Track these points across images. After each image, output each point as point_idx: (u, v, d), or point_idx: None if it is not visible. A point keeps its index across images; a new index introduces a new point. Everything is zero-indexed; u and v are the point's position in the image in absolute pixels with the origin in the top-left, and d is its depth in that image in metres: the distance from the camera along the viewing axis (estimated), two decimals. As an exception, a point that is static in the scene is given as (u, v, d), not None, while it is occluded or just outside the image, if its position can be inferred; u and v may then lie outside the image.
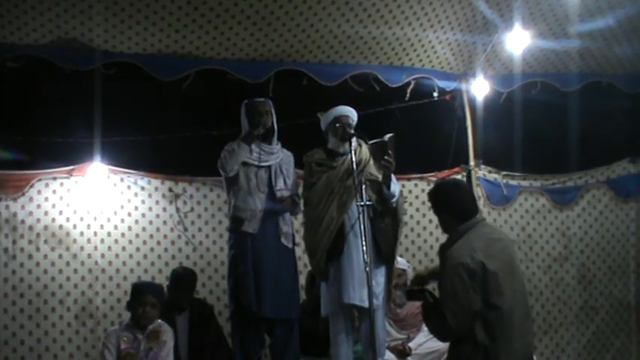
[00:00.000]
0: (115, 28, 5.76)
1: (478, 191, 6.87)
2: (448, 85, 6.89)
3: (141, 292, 5.09)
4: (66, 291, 6.15)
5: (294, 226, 5.60)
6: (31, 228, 6.15)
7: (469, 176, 6.92)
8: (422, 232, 6.88)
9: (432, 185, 6.62)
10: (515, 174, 7.20)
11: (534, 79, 7.02)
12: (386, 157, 5.02)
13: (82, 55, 5.89)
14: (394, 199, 5.18)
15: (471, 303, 3.87)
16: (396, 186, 5.20)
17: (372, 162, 5.24)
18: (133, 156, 6.52)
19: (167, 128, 6.66)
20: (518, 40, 6.27)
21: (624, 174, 7.32)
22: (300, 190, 5.51)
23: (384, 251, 5.12)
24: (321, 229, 5.13)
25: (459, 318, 3.88)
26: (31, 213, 6.17)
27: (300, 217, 5.70)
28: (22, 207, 6.16)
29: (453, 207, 4.18)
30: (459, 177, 6.93)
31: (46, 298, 6.09)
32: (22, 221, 6.14)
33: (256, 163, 5.33)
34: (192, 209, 6.59)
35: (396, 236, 5.28)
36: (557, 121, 7.12)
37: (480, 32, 6.43)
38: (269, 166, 5.39)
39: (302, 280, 6.10)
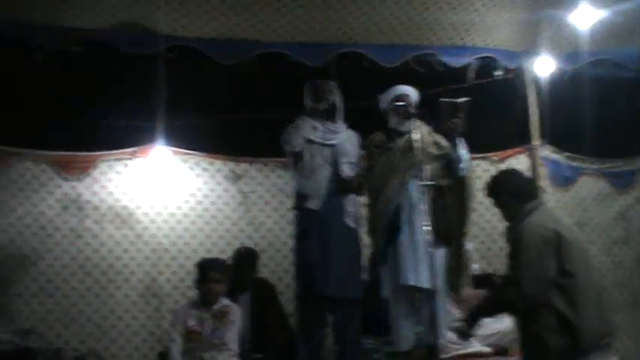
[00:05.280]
0: (176, 11, 5.82)
1: (541, 171, 6.77)
2: (511, 63, 6.75)
3: (203, 269, 5.16)
4: (130, 270, 6.29)
5: (359, 206, 5.55)
6: (96, 208, 6.30)
7: (533, 156, 6.83)
8: (484, 212, 6.77)
9: (494, 165, 6.61)
10: (577, 156, 7.13)
11: (600, 57, 6.83)
12: (454, 120, 4.93)
13: (144, 39, 5.95)
14: (463, 165, 5.07)
15: (546, 270, 3.92)
16: (464, 151, 5.07)
17: (431, 141, 5.15)
18: (195, 138, 6.59)
19: (228, 110, 6.71)
20: (583, 17, 6.11)
21: None
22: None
23: (442, 232, 4.99)
24: (378, 210, 5.13)
25: (534, 286, 3.93)
26: (95, 193, 6.32)
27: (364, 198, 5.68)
28: (87, 188, 6.29)
29: (516, 190, 4.24)
30: (521, 157, 6.91)
31: (111, 277, 6.23)
32: (88, 201, 6.28)
33: (320, 141, 5.30)
34: (253, 190, 6.64)
35: (464, 213, 5.16)
36: (622, 99, 6.96)
37: (545, 9, 6.30)
38: (333, 145, 5.34)
39: (365, 260, 6.10)
